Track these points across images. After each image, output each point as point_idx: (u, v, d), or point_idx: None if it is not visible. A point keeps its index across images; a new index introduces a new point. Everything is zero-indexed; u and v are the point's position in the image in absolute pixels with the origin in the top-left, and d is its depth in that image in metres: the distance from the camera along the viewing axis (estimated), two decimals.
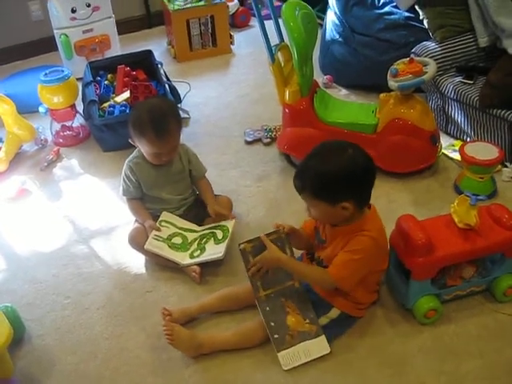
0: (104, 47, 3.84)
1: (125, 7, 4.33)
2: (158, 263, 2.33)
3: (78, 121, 3.27)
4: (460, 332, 1.98)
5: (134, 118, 2.32)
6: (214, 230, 2.34)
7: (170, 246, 2.30)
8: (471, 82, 2.84)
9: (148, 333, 2.06)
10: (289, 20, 2.51)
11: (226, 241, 2.26)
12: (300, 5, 2.62)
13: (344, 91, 3.53)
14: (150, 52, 3.53)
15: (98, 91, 3.27)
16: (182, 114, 3.26)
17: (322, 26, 3.66)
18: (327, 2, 3.66)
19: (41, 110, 3.16)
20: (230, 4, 4.27)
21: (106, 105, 3.17)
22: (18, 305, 2.14)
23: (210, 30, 4.07)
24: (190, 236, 2.36)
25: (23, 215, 2.71)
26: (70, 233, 2.58)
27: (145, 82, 3.16)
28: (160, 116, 2.26)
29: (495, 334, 1.97)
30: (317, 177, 1.81)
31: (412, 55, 2.90)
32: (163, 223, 2.37)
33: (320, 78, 3.50)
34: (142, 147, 2.31)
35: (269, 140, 3.07)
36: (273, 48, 2.64)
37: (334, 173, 1.78)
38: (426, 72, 2.55)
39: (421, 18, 3.13)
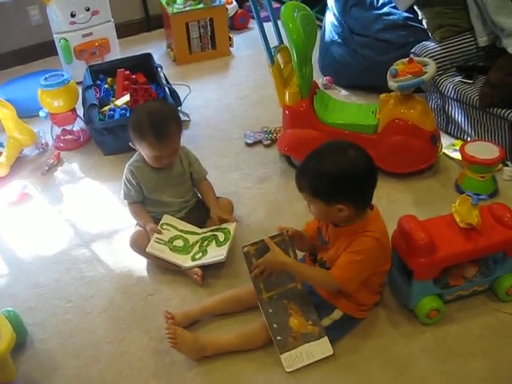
0: (104, 51, 3.84)
1: (124, 11, 4.33)
2: (160, 266, 2.33)
3: (78, 125, 3.27)
4: (463, 332, 1.98)
5: (134, 121, 2.32)
6: (216, 233, 2.34)
7: (171, 249, 2.30)
8: (471, 81, 2.84)
9: (150, 336, 2.06)
10: (288, 22, 2.51)
11: (228, 243, 2.26)
12: (299, 6, 2.62)
13: (344, 92, 3.53)
14: (149, 55, 3.53)
15: (98, 95, 3.27)
16: (182, 117, 3.26)
17: (320, 27, 3.65)
18: (326, 4, 3.66)
19: (41, 114, 3.16)
20: (228, 6, 4.27)
21: (106, 108, 3.17)
22: (20, 309, 2.14)
23: (209, 33, 4.06)
24: (192, 239, 2.36)
25: (25, 219, 2.71)
26: (71, 237, 2.58)
27: (145, 85, 3.16)
28: (160, 119, 2.26)
29: (498, 334, 1.97)
30: (315, 176, 1.81)
31: (411, 55, 2.89)
32: (164, 226, 2.37)
33: (320, 79, 3.50)
34: (143, 150, 2.31)
35: (269, 142, 3.07)
36: (272, 50, 2.64)
37: (332, 174, 1.78)
38: (426, 72, 2.55)
39: (420, 18, 3.13)
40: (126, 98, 3.17)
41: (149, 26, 4.57)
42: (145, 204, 2.45)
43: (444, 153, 2.85)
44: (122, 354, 2.01)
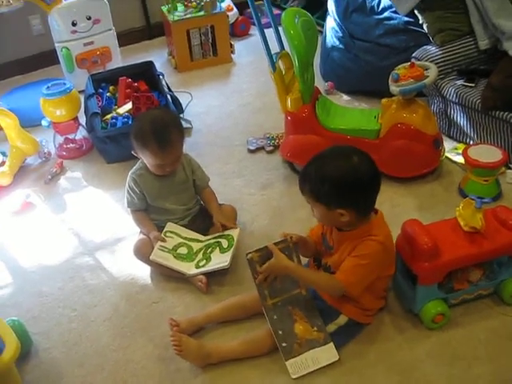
0: (105, 59, 3.86)
1: (125, 19, 4.35)
2: (164, 274, 2.33)
3: (80, 133, 3.28)
4: (468, 336, 1.97)
5: (136, 129, 2.32)
6: (219, 240, 2.34)
7: (175, 257, 2.30)
8: (473, 84, 2.84)
9: (155, 344, 2.06)
10: (289, 28, 2.51)
11: (232, 249, 2.26)
12: (299, 12, 2.63)
13: (346, 97, 3.53)
14: (151, 63, 3.53)
15: (100, 103, 3.27)
16: (184, 124, 3.27)
17: (321, 32, 3.67)
18: (326, 9, 3.68)
19: (43, 123, 3.17)
20: (229, 13, 4.28)
21: (108, 117, 3.17)
22: (24, 318, 2.14)
23: (210, 40, 4.08)
24: (196, 246, 2.36)
25: (28, 228, 2.71)
26: (75, 245, 2.58)
27: (146, 93, 3.17)
28: (162, 127, 2.26)
29: (504, 338, 1.96)
30: (317, 181, 1.81)
31: (413, 60, 2.90)
32: (168, 234, 2.37)
33: (321, 84, 3.50)
34: (145, 158, 2.31)
35: (272, 148, 3.08)
36: (273, 56, 2.65)
37: (334, 179, 1.78)
38: (428, 76, 2.54)
39: (420, 22, 3.13)
40: (128, 106, 3.18)
41: (150, 34, 4.59)
42: (148, 212, 2.45)
43: (447, 157, 2.84)
44: (126, 362, 2.01)
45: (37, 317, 2.23)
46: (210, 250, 2.31)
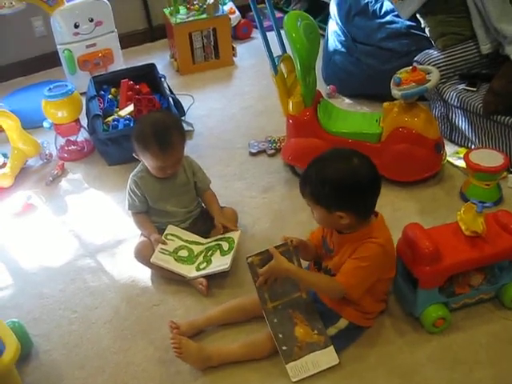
0: (107, 61, 3.87)
1: (127, 21, 4.36)
2: (164, 276, 2.33)
3: (82, 135, 3.28)
4: (469, 340, 1.97)
5: (137, 132, 2.33)
6: (220, 242, 2.33)
7: (176, 259, 2.29)
8: (474, 89, 2.84)
9: (156, 346, 2.06)
10: (291, 31, 2.52)
11: (232, 252, 2.26)
12: (302, 16, 2.63)
13: (347, 101, 3.54)
14: (153, 65, 3.53)
15: (101, 105, 3.28)
16: (186, 127, 3.27)
17: (323, 36, 3.67)
18: (329, 13, 3.68)
19: (45, 124, 3.17)
20: (231, 16, 4.29)
21: (110, 119, 3.18)
22: (25, 320, 2.14)
23: (212, 43, 4.09)
24: (196, 249, 2.36)
25: (29, 230, 2.72)
26: (76, 247, 2.58)
27: (148, 96, 3.17)
28: (163, 129, 2.26)
29: (505, 342, 1.95)
30: (317, 183, 1.81)
31: (415, 63, 2.90)
32: (169, 236, 2.36)
33: (323, 88, 3.50)
34: (146, 161, 2.32)
35: (273, 151, 3.08)
36: (275, 59, 2.65)
37: (334, 181, 1.78)
38: (429, 80, 2.54)
39: (422, 26, 3.13)
40: (130, 108, 3.18)
41: (152, 37, 4.61)
42: (149, 214, 2.45)
43: (448, 161, 2.84)
44: (127, 365, 2.01)
45: (37, 318, 2.23)
46: (210, 252, 2.31)
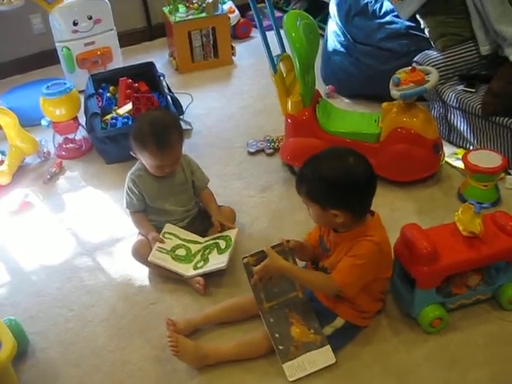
0: (106, 59, 3.86)
1: (126, 20, 4.35)
2: (162, 275, 2.33)
3: (80, 133, 3.28)
4: (466, 341, 1.97)
5: (135, 130, 2.32)
6: (217, 240, 2.33)
7: (173, 258, 2.29)
8: (473, 90, 2.84)
9: (152, 345, 2.05)
10: (290, 30, 2.51)
11: (229, 250, 2.25)
12: (301, 15, 2.63)
13: (346, 101, 3.53)
14: (151, 64, 3.53)
15: (100, 103, 3.27)
16: (184, 126, 3.27)
17: (323, 36, 3.66)
18: (328, 13, 3.68)
19: (43, 122, 3.17)
20: (231, 15, 4.29)
21: (108, 117, 3.17)
22: (21, 318, 2.14)
23: (211, 42, 4.08)
24: (194, 247, 2.36)
25: (26, 228, 2.71)
26: (73, 245, 2.58)
27: (147, 94, 3.17)
28: (161, 128, 2.26)
29: (501, 343, 1.95)
30: (312, 181, 1.82)
31: (414, 64, 2.90)
32: (166, 235, 2.36)
33: (322, 88, 3.50)
34: (144, 160, 2.31)
35: (271, 151, 3.08)
36: (275, 58, 2.65)
37: (329, 180, 1.78)
38: (428, 81, 2.54)
39: (422, 27, 3.13)
40: (128, 106, 3.18)
41: (151, 35, 4.60)
42: (147, 213, 2.44)
43: (446, 161, 2.84)
44: (123, 363, 2.00)
45: (34, 316, 2.23)
46: (207, 251, 2.31)
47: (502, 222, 2.01)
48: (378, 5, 3.43)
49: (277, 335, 1.92)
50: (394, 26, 3.31)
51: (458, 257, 1.94)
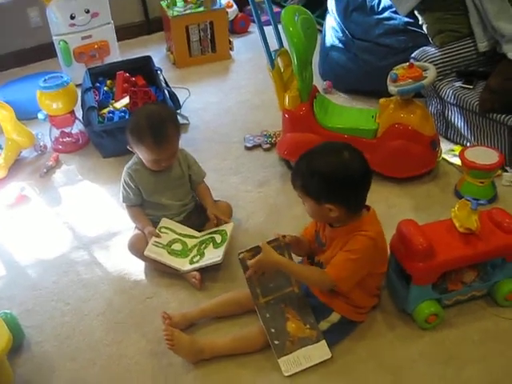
0: (103, 53, 3.85)
1: (124, 13, 4.34)
2: (158, 269, 2.33)
3: (77, 127, 3.27)
4: (461, 337, 1.98)
5: (132, 124, 2.32)
6: (213, 235, 2.33)
7: (169, 253, 2.29)
8: (471, 86, 2.84)
9: (148, 339, 2.05)
10: (288, 25, 2.51)
11: (225, 244, 2.25)
12: (299, 10, 2.62)
13: (344, 97, 3.53)
14: (149, 58, 3.52)
15: (97, 97, 3.26)
16: (182, 120, 3.26)
17: (321, 31, 3.66)
18: (326, 8, 3.67)
19: (40, 116, 3.16)
20: (229, 10, 4.27)
21: (105, 111, 3.16)
22: (17, 311, 2.14)
23: (209, 36, 4.07)
24: (190, 242, 2.35)
25: (22, 222, 2.71)
26: (69, 239, 2.58)
27: (144, 88, 3.16)
28: (158, 122, 2.26)
29: (497, 339, 1.96)
30: (307, 175, 1.82)
31: (411, 60, 2.90)
32: (163, 229, 2.36)
33: (320, 83, 3.49)
34: (141, 154, 2.31)
35: (269, 146, 3.07)
36: (272, 53, 2.64)
37: (324, 174, 1.79)
38: (426, 77, 2.54)
39: (420, 23, 3.13)
40: (126, 100, 3.17)
41: (149, 29, 4.58)
42: (144, 207, 2.44)
43: (443, 158, 2.84)
44: (119, 357, 2.00)
45: (30, 310, 2.22)
46: (203, 245, 2.31)
47: (499, 218, 2.02)
48: (377, 0, 3.42)
49: (272, 330, 1.93)
50: (392, 21, 3.30)
51: (454, 253, 1.94)
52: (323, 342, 1.92)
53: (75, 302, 2.24)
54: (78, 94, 3.21)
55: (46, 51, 4.02)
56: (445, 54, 2.97)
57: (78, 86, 3.32)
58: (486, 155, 2.54)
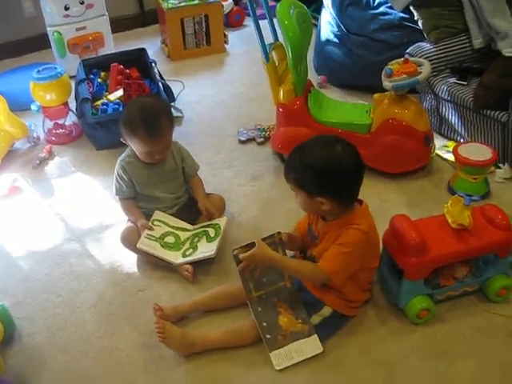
0: (97, 45, 3.83)
1: (119, 5, 4.32)
2: (150, 262, 2.32)
3: (70, 119, 3.25)
4: (453, 332, 1.98)
5: (125, 116, 2.31)
6: (207, 229, 2.33)
7: (162, 246, 2.29)
8: (465, 83, 2.85)
9: (140, 331, 2.05)
10: (283, 19, 2.50)
11: (218, 238, 2.25)
12: (295, 4, 2.61)
13: (338, 91, 3.53)
14: (143, 50, 3.50)
15: (91, 89, 3.25)
16: (176, 113, 3.26)
17: (316, 26, 3.65)
18: (322, 2, 3.67)
19: (33, 107, 3.15)
20: (224, 3, 4.26)
21: (98, 103, 3.15)
22: (9, 303, 2.13)
23: (204, 29, 4.06)
24: (183, 235, 2.35)
25: (15, 213, 2.69)
26: (62, 231, 2.57)
27: (138, 81, 3.14)
28: (151, 114, 2.25)
29: (488, 335, 1.97)
30: (300, 168, 1.82)
31: (406, 56, 2.90)
32: (156, 222, 2.35)
33: (314, 78, 3.49)
34: (134, 146, 2.30)
35: (262, 139, 3.07)
36: (267, 47, 2.63)
37: (316, 167, 1.79)
38: (421, 72, 2.54)
39: (415, 18, 3.13)
40: (120, 92, 3.16)
41: (143, 22, 4.57)
42: (137, 200, 2.43)
43: (437, 154, 2.85)
44: (111, 350, 2.00)
45: (22, 302, 2.22)
46: (196, 239, 2.31)
47: (491, 214, 2.02)
48: None
49: (264, 324, 1.93)
50: (387, 17, 3.31)
51: (446, 249, 1.95)
52: (315, 336, 1.92)
53: (67, 294, 2.24)
54: (71, 85, 3.19)
55: (39, 42, 3.99)
56: (440, 49, 2.97)
57: (71, 77, 3.30)
58: (479, 151, 2.54)
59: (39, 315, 2.15)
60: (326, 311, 1.95)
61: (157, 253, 2.26)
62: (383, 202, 2.57)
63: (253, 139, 3.10)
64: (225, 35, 4.17)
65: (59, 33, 3.68)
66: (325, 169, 1.78)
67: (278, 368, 1.87)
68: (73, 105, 3.24)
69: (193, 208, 2.45)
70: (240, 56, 4.10)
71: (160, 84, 3.29)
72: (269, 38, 2.74)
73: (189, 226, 2.39)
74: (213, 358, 1.93)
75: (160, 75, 3.43)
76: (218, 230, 2.30)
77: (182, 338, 1.91)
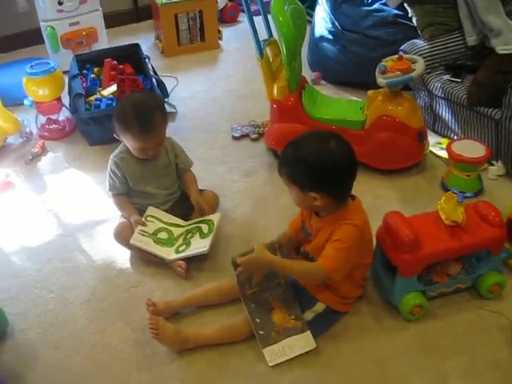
0: (91, 40, 3.81)
1: (112, 0, 4.30)
2: (143, 258, 2.32)
3: (63, 114, 3.24)
4: (445, 328, 1.99)
5: (118, 112, 2.30)
6: (200, 225, 2.32)
7: (155, 241, 2.28)
8: (459, 80, 2.85)
9: (132, 327, 2.05)
10: (278, 15, 2.50)
11: (212, 235, 2.24)
12: (289, 0, 2.61)
13: (332, 88, 3.52)
14: (137, 46, 3.49)
15: (84, 84, 3.23)
16: (169, 109, 3.25)
17: (310, 22, 3.65)
18: None
19: (26, 102, 3.13)
20: None
21: (92, 98, 3.14)
22: (1, 299, 2.13)
23: (198, 25, 4.05)
24: (176, 231, 2.35)
25: (7, 208, 2.68)
26: (54, 227, 2.56)
27: (132, 76, 3.14)
28: (145, 110, 2.24)
29: (480, 331, 1.97)
30: (293, 163, 1.82)
31: (401, 52, 2.89)
32: (149, 218, 2.35)
33: (308, 74, 3.48)
34: (127, 142, 2.29)
35: (256, 136, 3.07)
36: (261, 43, 2.63)
37: (309, 162, 1.79)
38: (415, 69, 2.55)
39: (409, 15, 3.13)
40: (113, 88, 3.14)
41: (137, 17, 4.55)
42: (130, 196, 2.43)
43: (430, 151, 2.85)
44: (103, 346, 1.99)
45: (14, 297, 2.21)
46: (190, 235, 2.30)
47: (485, 211, 2.02)
48: None
49: (258, 320, 1.93)
50: (381, 13, 3.31)
51: (439, 245, 1.95)
52: (308, 332, 1.92)
53: (59, 290, 2.23)
54: (64, 80, 3.18)
55: (33, 37, 3.96)
56: (433, 47, 2.97)
57: (65, 72, 3.28)
58: (472, 148, 2.55)
59: (31, 311, 2.15)
60: (319, 307, 1.95)
61: (150, 249, 2.25)
62: (377, 199, 2.57)
63: (246, 135, 3.09)
64: (219, 31, 4.16)
65: (52, 28, 3.67)
66: (318, 164, 1.78)
67: (271, 364, 1.87)
68: (66, 100, 3.23)
69: (185, 204, 2.44)
70: (234, 52, 4.09)
71: (154, 80, 3.28)
72: (263, 34, 2.74)
73: (182, 222, 2.38)
74: (205, 354, 1.93)
75: (154, 71, 3.42)
76: (211, 226, 2.29)
77: (175, 335, 1.91)
